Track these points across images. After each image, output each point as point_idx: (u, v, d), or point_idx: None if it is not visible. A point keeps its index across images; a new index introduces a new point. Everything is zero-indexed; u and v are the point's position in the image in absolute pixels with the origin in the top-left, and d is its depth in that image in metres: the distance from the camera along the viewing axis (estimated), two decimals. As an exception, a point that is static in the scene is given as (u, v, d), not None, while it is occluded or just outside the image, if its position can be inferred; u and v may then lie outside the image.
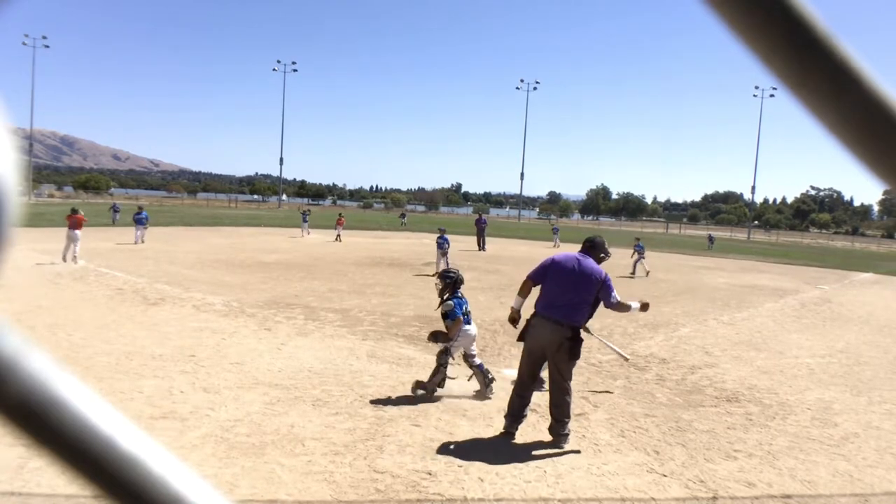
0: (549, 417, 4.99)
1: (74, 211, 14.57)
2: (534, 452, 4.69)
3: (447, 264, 13.91)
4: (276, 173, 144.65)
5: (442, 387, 5.81)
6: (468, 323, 6.03)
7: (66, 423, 0.27)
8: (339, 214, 28.62)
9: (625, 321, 10.58)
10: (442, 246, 14.86)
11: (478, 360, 6.08)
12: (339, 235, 25.67)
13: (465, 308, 6.09)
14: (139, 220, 19.66)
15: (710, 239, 38.52)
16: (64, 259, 13.69)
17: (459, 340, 5.96)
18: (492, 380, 5.95)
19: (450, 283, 6.17)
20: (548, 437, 4.99)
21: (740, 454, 4.91)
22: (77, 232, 13.85)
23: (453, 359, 5.92)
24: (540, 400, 5.95)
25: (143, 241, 19.34)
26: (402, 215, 37.05)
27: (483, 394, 5.91)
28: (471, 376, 6.02)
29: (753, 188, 75.15)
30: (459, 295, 6.17)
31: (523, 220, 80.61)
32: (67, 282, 11.32)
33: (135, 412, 4.96)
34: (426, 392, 5.81)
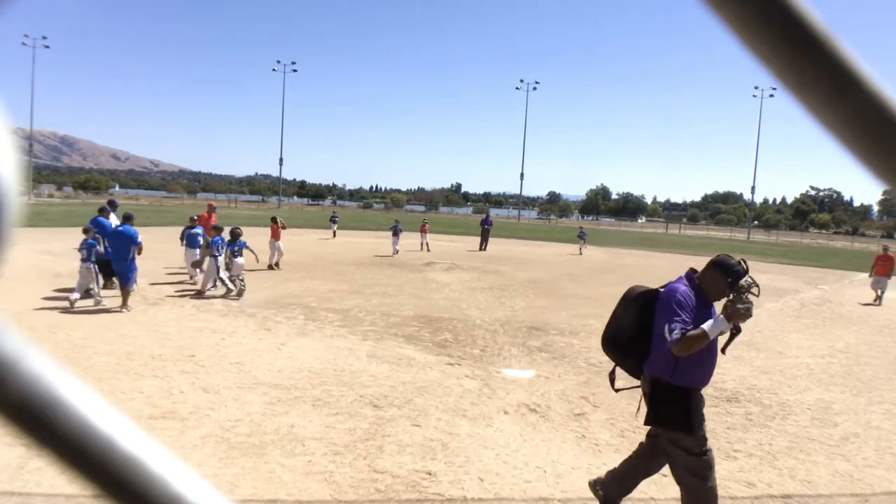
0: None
1: (274, 221, 15.42)
2: (534, 452, 4.69)
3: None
4: (276, 173, 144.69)
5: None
6: (236, 256, 10.80)
7: (66, 423, 0.27)
8: (424, 220, 26.18)
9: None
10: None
11: (239, 276, 10.70)
12: (426, 244, 22.93)
13: (222, 246, 10.76)
14: (193, 241, 11.73)
15: (581, 235, 27.46)
16: (270, 265, 14.83)
17: (234, 268, 10.77)
18: (242, 290, 10.65)
19: (230, 236, 10.94)
20: (547, 438, 5.00)
21: (740, 454, 4.91)
22: (278, 243, 15.03)
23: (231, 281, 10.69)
24: (540, 400, 5.95)
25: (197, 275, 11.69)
26: (333, 219, 30.09)
27: (234, 295, 10.48)
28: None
29: (753, 188, 74.91)
30: (236, 244, 10.83)
31: (523, 220, 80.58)
32: (67, 282, 11.31)
33: (135, 412, 4.96)
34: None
